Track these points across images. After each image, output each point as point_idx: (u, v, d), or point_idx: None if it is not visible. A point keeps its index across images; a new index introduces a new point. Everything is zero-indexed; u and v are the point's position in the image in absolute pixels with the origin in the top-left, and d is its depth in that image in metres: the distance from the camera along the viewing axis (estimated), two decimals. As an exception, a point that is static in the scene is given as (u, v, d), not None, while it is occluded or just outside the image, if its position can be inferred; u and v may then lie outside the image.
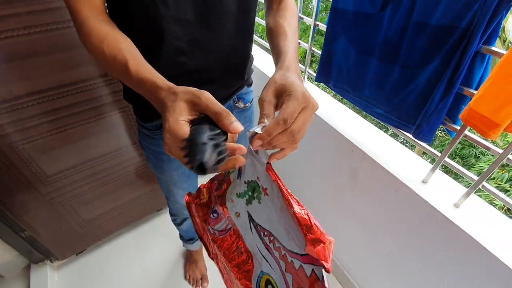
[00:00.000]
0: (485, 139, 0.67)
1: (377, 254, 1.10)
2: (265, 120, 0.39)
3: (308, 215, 0.38)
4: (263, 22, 0.72)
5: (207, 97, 0.36)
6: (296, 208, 0.38)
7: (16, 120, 0.91)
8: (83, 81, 0.96)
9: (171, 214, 1.15)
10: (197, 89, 0.37)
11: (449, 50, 0.66)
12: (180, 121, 0.35)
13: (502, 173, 4.62)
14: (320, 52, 1.03)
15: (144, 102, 0.54)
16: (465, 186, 0.83)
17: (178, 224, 1.19)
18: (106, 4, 0.53)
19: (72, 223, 1.30)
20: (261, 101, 0.41)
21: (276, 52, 0.54)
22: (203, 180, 1.14)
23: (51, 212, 1.20)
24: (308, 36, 1.13)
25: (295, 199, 0.39)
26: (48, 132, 0.99)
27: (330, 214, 1.30)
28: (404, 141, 5.84)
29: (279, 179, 0.40)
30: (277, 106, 0.42)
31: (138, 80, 0.42)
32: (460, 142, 5.85)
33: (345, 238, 1.27)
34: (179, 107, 0.36)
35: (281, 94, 0.41)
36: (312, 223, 0.37)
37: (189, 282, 1.39)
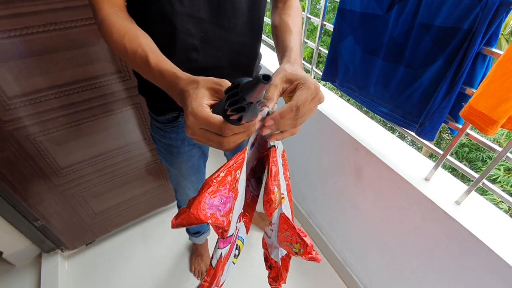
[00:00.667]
0: (486, 137, 0.69)
1: (379, 250, 1.12)
2: (268, 104, 0.41)
3: (225, 197, 0.40)
4: (269, 21, 0.75)
5: (228, 84, 0.39)
6: (221, 189, 0.41)
7: (34, 113, 0.94)
8: (99, 77, 1.00)
9: (179, 207, 1.18)
10: (216, 78, 0.40)
11: (452, 51, 0.68)
12: (203, 105, 0.38)
13: (508, 176, 4.57)
14: (327, 52, 1.06)
15: (160, 95, 0.57)
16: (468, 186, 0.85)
17: (185, 217, 1.22)
18: (125, 2, 0.57)
19: (82, 214, 1.34)
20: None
21: (282, 48, 0.56)
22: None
23: (63, 203, 1.24)
24: (316, 36, 1.15)
25: (230, 185, 0.41)
26: (63, 126, 1.03)
27: (333, 211, 1.33)
28: (411, 143, 5.82)
29: (241, 164, 0.43)
30: (282, 93, 0.44)
31: (158, 72, 0.45)
32: (467, 146, 5.80)
33: (348, 235, 1.29)
34: (202, 93, 0.39)
35: (291, 82, 0.43)
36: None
37: (194, 275, 1.42)
